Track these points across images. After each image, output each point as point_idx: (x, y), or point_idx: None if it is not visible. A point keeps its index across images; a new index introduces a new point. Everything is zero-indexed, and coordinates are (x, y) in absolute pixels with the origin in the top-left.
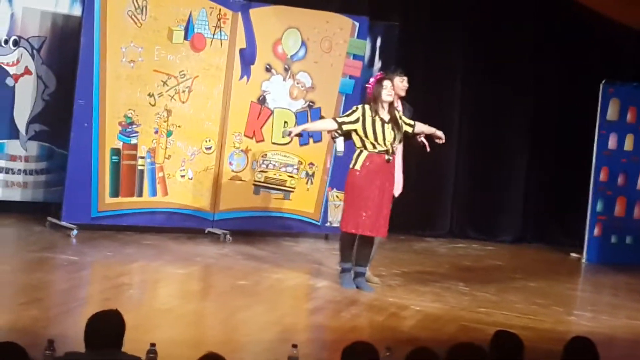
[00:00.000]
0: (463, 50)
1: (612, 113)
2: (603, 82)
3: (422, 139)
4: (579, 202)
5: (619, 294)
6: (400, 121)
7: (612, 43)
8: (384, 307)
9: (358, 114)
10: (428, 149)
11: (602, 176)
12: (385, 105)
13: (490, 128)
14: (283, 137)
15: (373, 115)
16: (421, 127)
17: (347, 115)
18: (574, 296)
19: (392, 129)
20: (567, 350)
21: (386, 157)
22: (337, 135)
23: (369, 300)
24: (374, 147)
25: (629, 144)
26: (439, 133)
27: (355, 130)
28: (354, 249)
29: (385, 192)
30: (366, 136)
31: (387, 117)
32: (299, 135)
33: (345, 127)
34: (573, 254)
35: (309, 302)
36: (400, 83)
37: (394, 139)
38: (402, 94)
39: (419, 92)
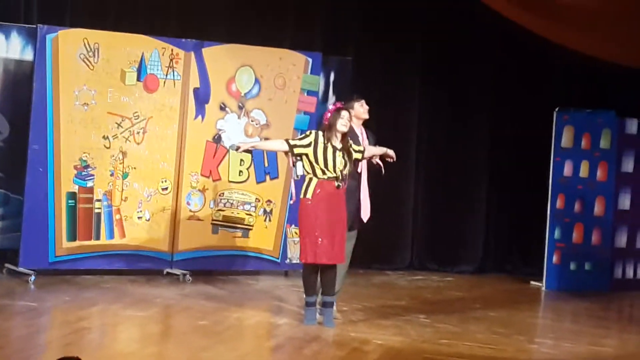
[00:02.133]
0: (418, 82)
1: (566, 140)
2: (557, 109)
3: (377, 160)
4: (538, 230)
5: (579, 320)
6: (351, 149)
7: (564, 71)
8: (346, 342)
9: (310, 138)
10: (384, 172)
11: (559, 203)
12: (339, 135)
13: (447, 159)
14: (230, 150)
15: (325, 142)
16: (372, 150)
17: (300, 139)
18: (535, 324)
19: (343, 156)
20: None
21: (336, 183)
22: (297, 159)
23: (331, 335)
24: (324, 173)
25: (584, 170)
26: (390, 152)
27: (307, 155)
28: (318, 280)
29: (338, 219)
30: (317, 162)
31: (339, 146)
32: (249, 151)
33: (296, 150)
34: (533, 282)
35: (271, 340)
36: (361, 108)
37: (345, 167)
38: (365, 116)
39: (375, 125)
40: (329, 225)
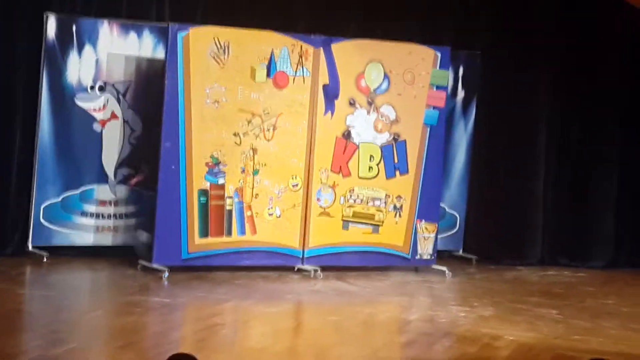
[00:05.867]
0: (548, 76)
1: None
2: None
3: None
4: None
5: None
6: None
7: None
8: (477, 337)
9: None
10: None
11: None
12: None
13: (577, 154)
14: None
15: None
16: None
17: None
18: None
19: None
20: None
21: None
22: None
23: (462, 331)
24: None
25: None
26: None
27: None
28: None
29: None
30: None
31: None
32: None
33: None
34: None
35: (402, 335)
36: None
37: None
38: None
39: (505, 117)
40: None
